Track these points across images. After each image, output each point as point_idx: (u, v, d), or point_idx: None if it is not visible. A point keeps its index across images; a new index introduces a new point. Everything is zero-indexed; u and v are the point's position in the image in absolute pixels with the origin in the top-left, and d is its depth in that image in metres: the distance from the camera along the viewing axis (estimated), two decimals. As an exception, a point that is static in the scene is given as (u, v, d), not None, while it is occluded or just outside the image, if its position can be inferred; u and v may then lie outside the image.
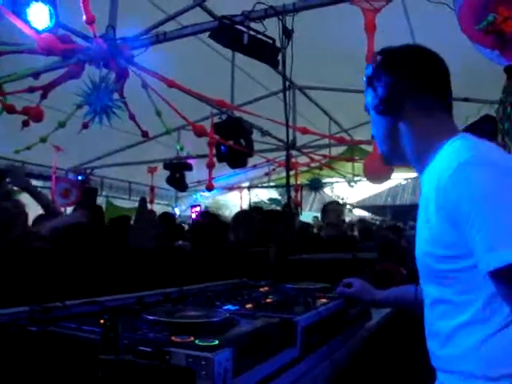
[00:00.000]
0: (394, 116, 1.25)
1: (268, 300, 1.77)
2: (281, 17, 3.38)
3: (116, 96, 3.59)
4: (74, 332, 1.16)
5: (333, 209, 4.75)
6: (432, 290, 1.22)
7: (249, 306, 1.64)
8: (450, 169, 1.09)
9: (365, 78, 1.30)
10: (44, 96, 3.83)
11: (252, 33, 3.39)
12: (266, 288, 2.18)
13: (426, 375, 1.34)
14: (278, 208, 10.29)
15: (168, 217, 5.55)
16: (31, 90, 3.77)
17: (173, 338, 1.08)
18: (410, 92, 1.22)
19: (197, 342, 1.05)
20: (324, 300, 1.77)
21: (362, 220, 9.39)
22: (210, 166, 5.68)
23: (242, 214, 4.26)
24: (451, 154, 1.14)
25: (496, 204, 1.01)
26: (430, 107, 1.23)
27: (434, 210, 1.13)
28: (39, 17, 2.94)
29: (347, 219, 10.63)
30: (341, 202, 11.53)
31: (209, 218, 4.10)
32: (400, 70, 1.23)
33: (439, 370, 1.24)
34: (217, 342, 1.03)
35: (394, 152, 1.31)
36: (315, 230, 8.90)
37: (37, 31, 2.96)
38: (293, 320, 1.35)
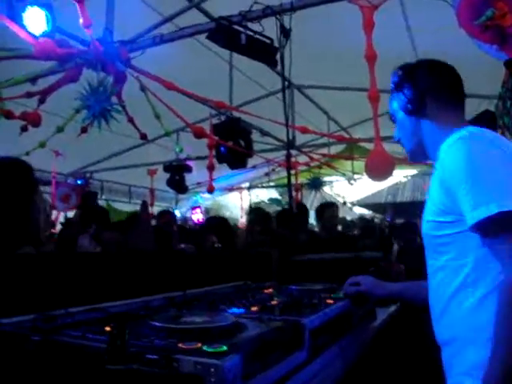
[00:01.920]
0: (418, 115, 1.46)
1: (273, 302, 1.75)
2: (278, 16, 3.37)
3: (114, 99, 3.57)
4: (78, 340, 1.14)
5: (329, 213, 4.69)
6: (432, 260, 1.38)
7: (254, 308, 1.63)
8: (448, 144, 1.31)
9: (392, 86, 1.53)
10: (42, 101, 3.82)
11: (250, 33, 3.37)
12: (271, 290, 2.16)
13: (434, 371, 1.33)
14: (279, 208, 10.26)
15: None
16: (29, 95, 3.76)
17: (180, 344, 1.06)
18: (430, 94, 1.44)
19: (205, 348, 1.02)
20: (330, 301, 1.75)
21: (362, 218, 9.37)
22: (211, 168, 5.66)
23: (259, 214, 4.21)
24: (455, 136, 1.32)
25: (481, 170, 1.21)
26: (445, 106, 1.45)
27: (436, 183, 1.33)
28: (36, 21, 2.92)
29: (348, 218, 10.62)
30: (341, 200, 11.51)
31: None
32: (421, 77, 1.46)
33: (441, 342, 1.37)
34: (225, 348, 1.01)
35: (419, 149, 1.51)
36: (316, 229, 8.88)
37: (33, 36, 2.94)
38: (300, 322, 1.34)
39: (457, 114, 1.45)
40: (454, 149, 1.28)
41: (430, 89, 1.44)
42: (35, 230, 1.98)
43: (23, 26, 2.90)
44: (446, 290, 1.31)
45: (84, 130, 4.01)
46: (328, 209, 4.76)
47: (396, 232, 5.72)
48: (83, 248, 3.31)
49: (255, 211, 4.41)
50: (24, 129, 3.93)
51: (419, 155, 1.55)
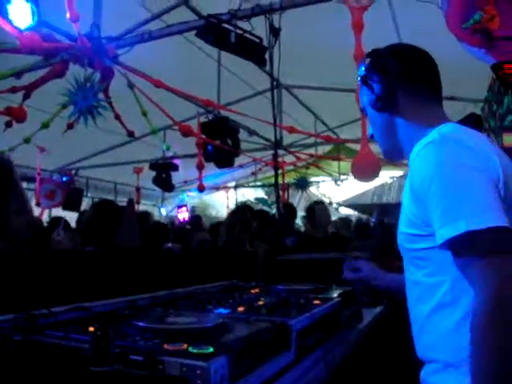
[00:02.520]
0: (390, 112, 1.30)
1: (260, 302, 1.74)
2: (268, 15, 3.36)
3: (101, 96, 3.53)
4: (61, 341, 1.12)
5: (322, 210, 4.73)
6: (408, 273, 1.27)
7: (241, 309, 1.61)
8: (418, 149, 1.18)
9: (359, 79, 1.35)
10: (27, 96, 3.76)
11: (239, 31, 3.36)
12: (257, 290, 2.15)
13: (418, 373, 1.32)
14: (265, 208, 10.26)
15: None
16: (14, 90, 3.69)
17: (165, 345, 1.04)
18: (402, 87, 1.28)
19: (190, 349, 1.01)
20: (317, 301, 1.74)
21: (342, 218, 9.35)
22: (200, 167, 5.59)
23: (239, 213, 4.23)
24: (426, 139, 1.18)
25: (450, 182, 1.06)
26: (420, 99, 1.29)
27: (408, 192, 1.19)
28: (21, 15, 2.87)
29: (333, 218, 10.66)
30: (327, 200, 11.55)
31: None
32: (390, 68, 1.29)
33: (421, 359, 1.25)
34: (211, 350, 0.99)
35: (394, 147, 1.35)
36: (303, 230, 8.88)
37: (19, 29, 2.89)
38: (287, 323, 1.32)
39: (433, 108, 1.29)
40: (422, 155, 1.14)
41: (402, 80, 1.27)
42: (9, 228, 1.95)
43: (8, 19, 2.85)
44: (423, 307, 1.19)
45: (70, 126, 3.96)
46: (319, 206, 4.79)
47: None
48: (55, 239, 3.25)
49: (238, 210, 4.43)
50: (8, 124, 3.86)
51: (394, 154, 1.39)
